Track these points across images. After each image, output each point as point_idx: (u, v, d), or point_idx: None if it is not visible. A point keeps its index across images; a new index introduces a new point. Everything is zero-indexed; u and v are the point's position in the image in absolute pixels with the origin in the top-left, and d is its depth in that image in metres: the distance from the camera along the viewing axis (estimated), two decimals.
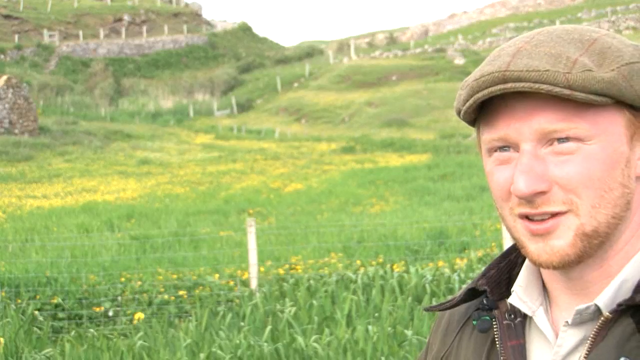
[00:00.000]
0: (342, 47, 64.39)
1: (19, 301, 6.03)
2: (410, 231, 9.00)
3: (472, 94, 0.76)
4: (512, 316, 0.85)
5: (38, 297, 6.21)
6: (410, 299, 5.58)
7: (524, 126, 0.75)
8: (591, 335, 0.76)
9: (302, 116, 38.60)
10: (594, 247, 0.76)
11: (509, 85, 0.73)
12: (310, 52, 58.75)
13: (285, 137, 32.13)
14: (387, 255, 7.46)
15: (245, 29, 63.52)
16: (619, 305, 0.74)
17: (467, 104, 0.78)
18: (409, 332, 4.61)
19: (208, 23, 63.30)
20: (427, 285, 5.88)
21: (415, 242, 8.05)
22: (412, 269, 6.29)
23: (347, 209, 13.34)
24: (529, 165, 0.74)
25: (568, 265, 0.76)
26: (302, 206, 13.93)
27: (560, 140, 0.74)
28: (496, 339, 0.84)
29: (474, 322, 0.87)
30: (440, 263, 6.71)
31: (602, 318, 0.75)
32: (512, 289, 0.85)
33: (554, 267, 0.77)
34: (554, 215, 0.75)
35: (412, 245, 7.94)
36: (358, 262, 7.07)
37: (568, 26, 0.79)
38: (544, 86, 0.71)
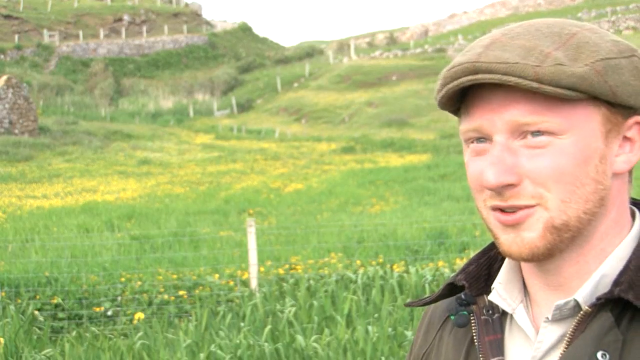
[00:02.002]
0: (342, 47, 64.37)
1: (19, 301, 6.02)
2: (410, 231, 8.99)
3: (445, 84, 0.76)
4: (490, 312, 0.85)
5: (38, 297, 6.20)
6: (410, 299, 5.58)
7: (496, 118, 0.74)
8: (570, 330, 0.76)
9: (302, 116, 38.59)
10: (564, 240, 0.75)
11: (478, 76, 0.73)
12: (310, 52, 58.71)
13: (285, 137, 32.12)
14: (387, 255, 7.45)
15: (245, 29, 63.50)
16: (598, 299, 0.74)
17: (440, 94, 0.78)
18: (408, 333, 4.61)
19: (208, 23, 63.27)
20: (427, 286, 5.88)
21: (415, 242, 8.04)
22: (412, 269, 6.28)
23: (347, 209, 13.35)
24: (500, 157, 0.74)
25: (538, 258, 0.76)
26: (302, 206, 13.93)
27: (534, 133, 0.73)
28: (474, 334, 0.84)
29: (452, 317, 0.87)
30: (440, 263, 6.71)
31: (581, 312, 0.75)
32: (492, 286, 0.85)
33: (524, 259, 0.76)
34: (523, 207, 0.75)
35: (412, 245, 7.94)
36: (358, 262, 7.07)
37: (550, 20, 0.78)
38: (512, 78, 0.71)
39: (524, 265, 0.84)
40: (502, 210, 0.76)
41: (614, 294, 0.73)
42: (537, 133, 0.73)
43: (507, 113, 0.74)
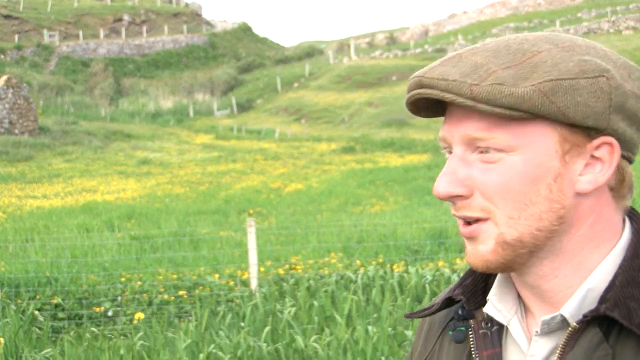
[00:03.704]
0: (342, 47, 64.38)
1: (19, 301, 6.02)
2: (410, 231, 8.99)
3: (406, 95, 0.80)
4: (489, 325, 0.85)
5: (38, 297, 6.20)
6: (410, 299, 5.58)
7: (454, 130, 0.77)
8: (560, 345, 0.76)
9: (302, 116, 38.60)
10: (522, 255, 0.76)
11: (422, 90, 0.76)
12: (310, 52, 58.75)
13: (285, 137, 32.13)
14: (387, 255, 7.45)
15: (245, 29, 63.52)
16: (585, 316, 0.74)
17: (406, 103, 0.81)
18: (409, 333, 4.61)
19: (208, 23, 63.29)
20: (427, 286, 5.88)
21: (415, 242, 8.04)
22: (412, 269, 6.28)
23: (347, 209, 13.35)
24: (452, 168, 0.77)
25: (493, 270, 0.78)
26: (302, 206, 13.93)
27: (483, 149, 0.75)
28: (472, 349, 0.84)
29: (450, 333, 0.87)
30: (440, 263, 6.70)
31: (569, 328, 0.75)
32: (487, 298, 0.85)
33: (480, 270, 0.79)
34: (477, 220, 0.77)
35: (412, 245, 7.94)
36: (358, 262, 7.06)
37: (531, 35, 0.78)
38: (449, 95, 0.73)
39: (512, 276, 0.84)
40: (464, 221, 0.78)
41: (599, 312, 0.73)
42: (486, 149, 0.75)
43: (463, 127, 0.76)
